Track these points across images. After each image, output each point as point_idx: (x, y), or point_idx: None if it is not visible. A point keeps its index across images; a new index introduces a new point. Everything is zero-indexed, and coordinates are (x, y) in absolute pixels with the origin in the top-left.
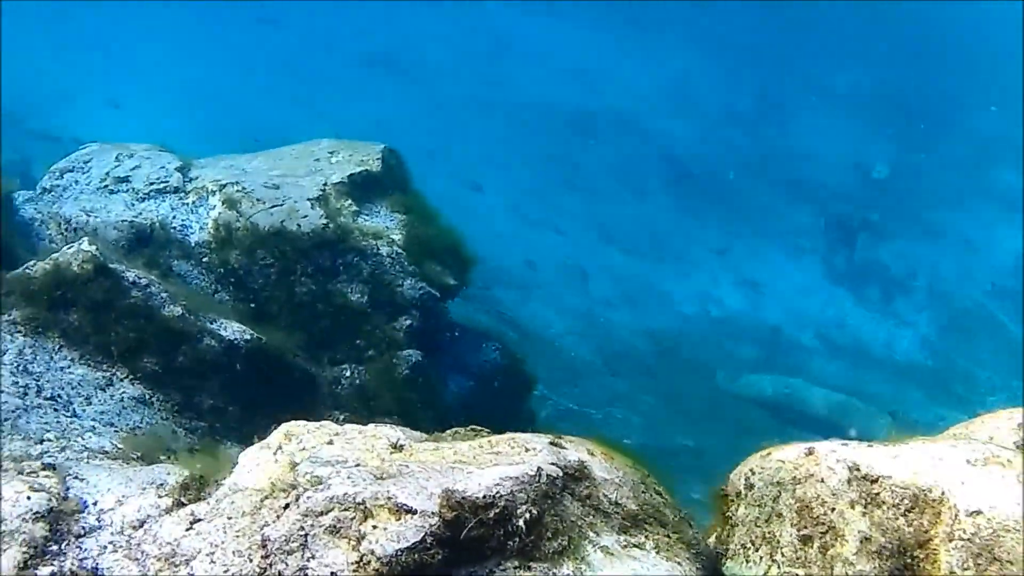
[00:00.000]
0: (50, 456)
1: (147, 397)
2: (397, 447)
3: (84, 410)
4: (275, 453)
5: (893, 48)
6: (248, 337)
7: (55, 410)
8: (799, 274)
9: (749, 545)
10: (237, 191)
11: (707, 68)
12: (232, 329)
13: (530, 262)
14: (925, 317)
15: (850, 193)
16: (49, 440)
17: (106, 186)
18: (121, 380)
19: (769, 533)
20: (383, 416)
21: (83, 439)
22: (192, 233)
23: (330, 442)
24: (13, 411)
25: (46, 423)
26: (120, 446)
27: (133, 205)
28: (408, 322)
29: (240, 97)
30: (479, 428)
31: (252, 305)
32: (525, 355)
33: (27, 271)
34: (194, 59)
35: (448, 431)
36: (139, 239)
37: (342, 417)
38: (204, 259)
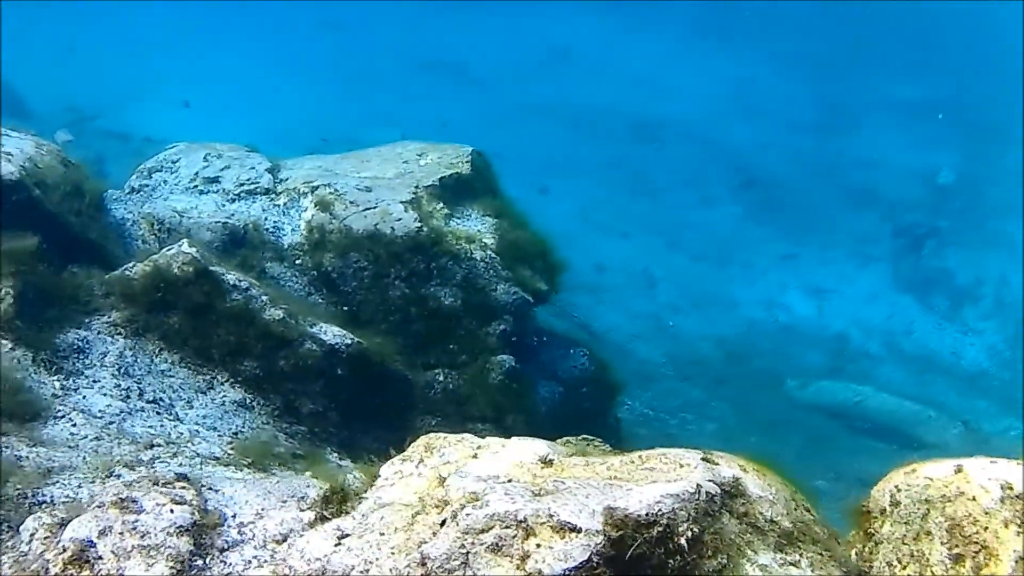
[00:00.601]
0: (162, 462)
1: (248, 401)
2: (547, 462)
3: (186, 414)
4: (417, 466)
5: (958, 54)
6: (348, 342)
7: (157, 413)
8: (865, 281)
9: (896, 563)
10: (330, 193)
11: (770, 74)
12: (333, 333)
13: (599, 266)
14: (992, 325)
15: (916, 200)
16: (159, 446)
17: (195, 186)
18: (222, 384)
19: (917, 551)
20: (475, 422)
21: (193, 445)
22: (284, 235)
23: (474, 456)
24: (118, 414)
25: (150, 427)
26: (230, 452)
27: (224, 206)
28: (501, 327)
29: (305, 99)
30: (590, 438)
31: (345, 308)
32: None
33: (126, 273)
34: (261, 61)
35: (560, 440)
36: (233, 240)
37: (434, 422)
38: (297, 261)
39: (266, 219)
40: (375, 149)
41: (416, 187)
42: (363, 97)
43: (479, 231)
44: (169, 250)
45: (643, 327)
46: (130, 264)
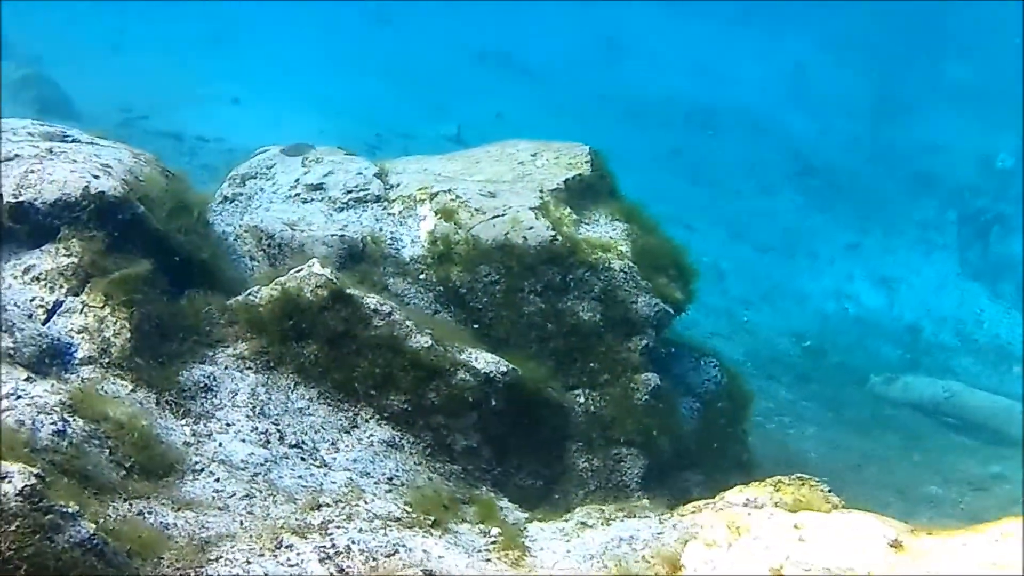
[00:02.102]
0: (337, 527)
1: (397, 440)
2: (896, 544)
3: (334, 458)
4: (729, 551)
5: (1014, 35)
6: (504, 370)
7: (303, 459)
8: (931, 269)
9: None
10: (451, 200)
11: (823, 59)
12: (485, 361)
13: None
14: None
15: (976, 185)
16: (327, 506)
17: (297, 194)
18: (366, 421)
19: None
20: (620, 446)
21: (367, 504)
22: (404, 247)
23: (800, 539)
24: (262, 464)
25: (299, 477)
26: (407, 509)
27: (331, 216)
28: (644, 342)
29: (356, 94)
30: (806, 477)
31: (476, 326)
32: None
33: (251, 298)
34: (309, 57)
35: (770, 481)
36: (351, 255)
37: (574, 448)
38: (421, 276)
39: (381, 230)
40: (482, 149)
41: (541, 191)
42: (414, 91)
43: (612, 238)
44: (299, 272)
45: (719, 323)
46: (254, 288)
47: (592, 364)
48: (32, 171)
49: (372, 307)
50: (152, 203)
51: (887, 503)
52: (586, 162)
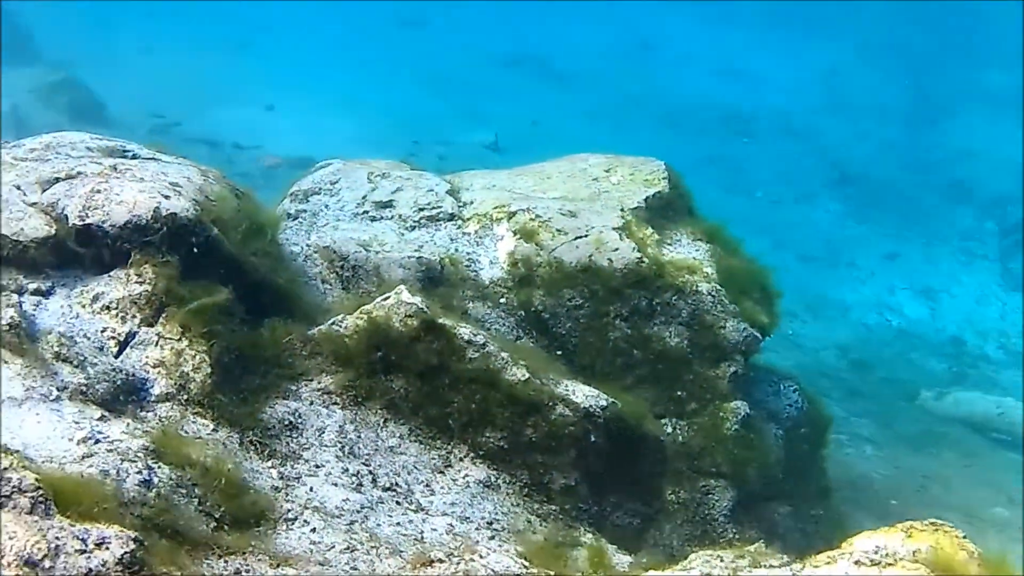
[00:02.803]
0: None
1: (493, 479)
2: None
3: (430, 501)
4: None
5: None
6: (604, 403)
7: (398, 503)
8: (972, 280)
9: None
10: (531, 219)
11: (857, 64)
12: (584, 394)
13: None
14: None
15: (1014, 194)
16: (440, 561)
17: (366, 212)
18: (460, 459)
19: None
20: (708, 478)
21: (482, 559)
22: (482, 269)
23: None
24: (358, 511)
25: (397, 524)
26: (525, 564)
27: (403, 235)
28: (732, 369)
29: (390, 99)
30: (939, 523)
31: (559, 353)
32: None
33: (335, 328)
34: (342, 61)
35: (901, 526)
36: (430, 278)
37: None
38: (501, 300)
39: (457, 250)
40: (551, 163)
41: (622, 210)
42: (447, 95)
43: (697, 259)
44: (386, 300)
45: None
46: (338, 317)
47: (680, 392)
48: (98, 191)
49: (465, 338)
50: (224, 224)
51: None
52: (663, 179)
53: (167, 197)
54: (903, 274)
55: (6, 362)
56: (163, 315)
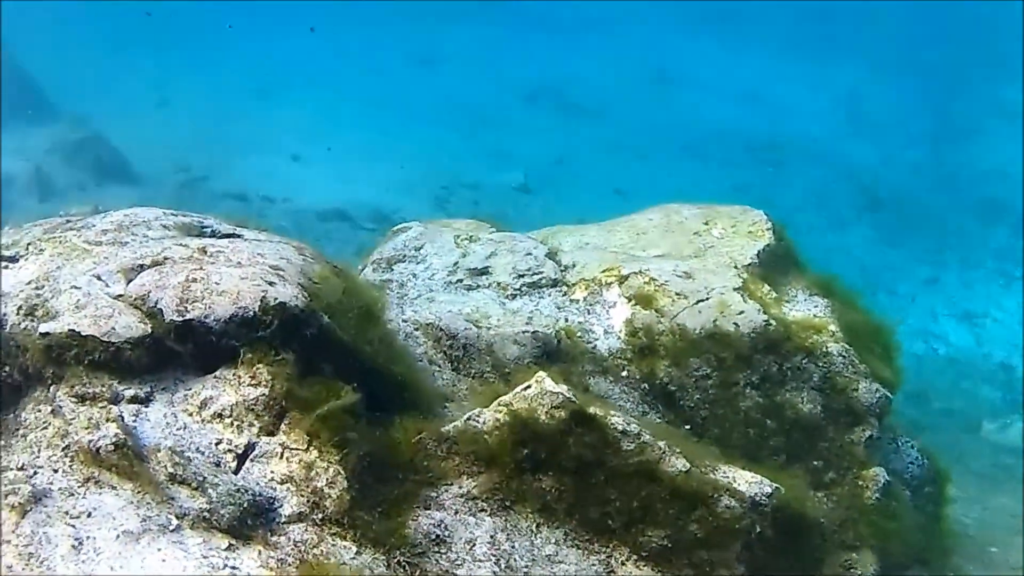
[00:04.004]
0: None
1: None
2: None
3: None
4: None
5: None
6: (768, 490)
7: None
8: (1012, 302)
9: None
10: (646, 283)
11: (878, 84)
12: (746, 481)
13: None
14: None
15: None
16: None
17: (460, 280)
18: (622, 563)
19: None
20: (850, 551)
21: None
22: (597, 339)
23: None
24: None
25: None
26: None
27: (504, 304)
28: (867, 433)
29: (412, 141)
30: None
31: (688, 427)
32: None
33: (473, 423)
34: (360, 105)
35: None
36: (547, 354)
37: None
38: (623, 373)
39: (567, 320)
40: (641, 216)
41: (736, 267)
42: (469, 134)
43: (819, 316)
44: (527, 390)
45: None
46: (475, 412)
47: (816, 462)
48: (194, 279)
49: (619, 428)
50: (334, 310)
51: None
52: (767, 230)
53: (272, 284)
54: (944, 299)
55: (114, 488)
56: (285, 422)
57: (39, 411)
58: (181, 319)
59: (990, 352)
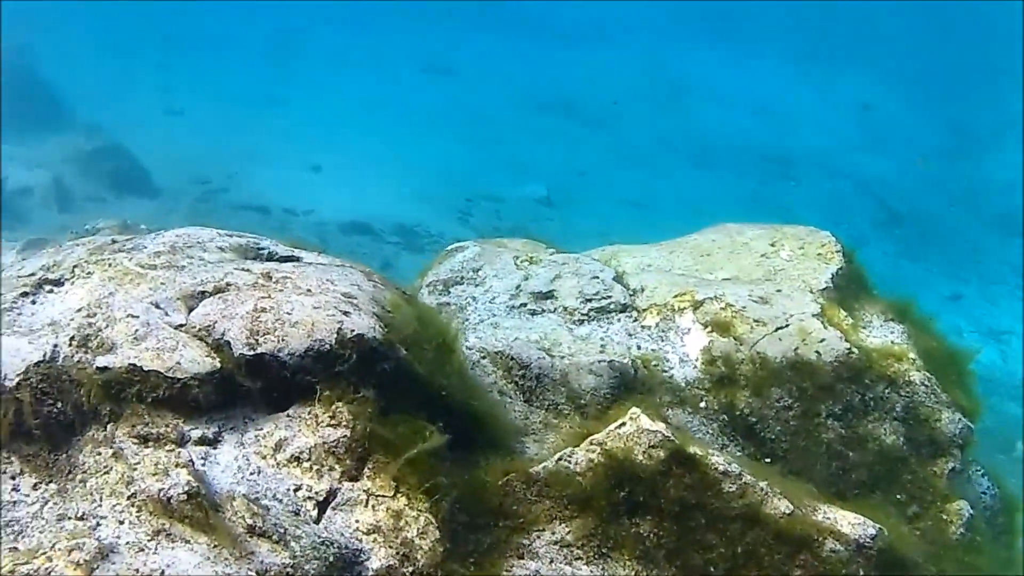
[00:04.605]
0: None
1: None
2: None
3: None
4: None
5: None
6: (872, 532)
7: None
8: None
9: None
10: (722, 308)
11: (889, 98)
12: (849, 523)
13: None
14: None
15: None
16: None
17: (523, 305)
18: None
19: None
20: None
21: None
22: (671, 368)
23: None
24: None
25: None
26: None
27: (571, 330)
28: (950, 465)
29: (430, 151)
30: None
31: (768, 460)
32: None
33: (564, 464)
34: (377, 113)
35: None
36: (624, 385)
37: None
38: (701, 404)
39: (639, 347)
40: (702, 237)
41: (812, 292)
42: (487, 145)
43: (898, 343)
44: (621, 427)
45: None
46: (566, 451)
47: (899, 496)
48: (263, 309)
49: (720, 468)
50: (410, 341)
51: None
52: (836, 251)
53: (346, 314)
54: (968, 316)
55: (187, 542)
56: (369, 466)
57: (99, 454)
58: (252, 353)
59: (1014, 369)
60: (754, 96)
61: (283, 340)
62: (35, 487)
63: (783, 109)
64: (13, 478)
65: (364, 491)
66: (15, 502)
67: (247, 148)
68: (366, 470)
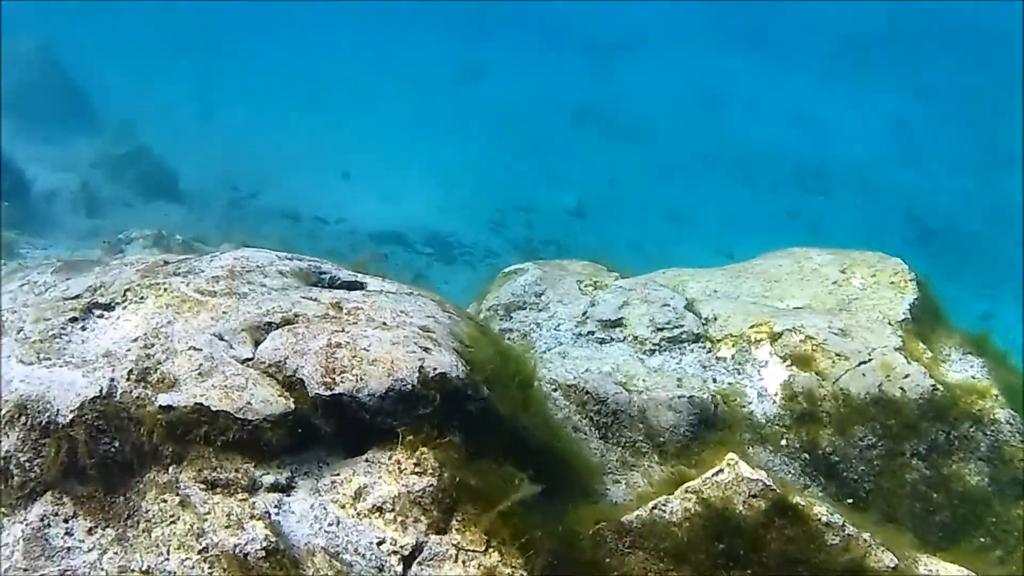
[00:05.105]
0: None
1: None
2: None
3: None
4: None
5: None
6: None
7: None
8: None
9: None
10: (801, 341)
11: (922, 111)
12: (947, 571)
13: None
14: None
15: None
16: None
17: (591, 333)
18: None
19: None
20: None
21: None
22: (750, 402)
23: None
24: None
25: None
26: None
27: (643, 361)
28: None
29: (462, 160)
30: None
31: (850, 501)
32: None
33: (659, 513)
34: (408, 120)
35: None
36: (703, 421)
37: None
38: (782, 442)
39: (715, 380)
40: (768, 261)
41: (891, 324)
42: (518, 154)
43: (979, 379)
44: (718, 475)
45: None
46: (660, 500)
47: (983, 538)
48: (338, 344)
49: (823, 520)
50: (492, 379)
51: None
52: (910, 280)
53: (427, 350)
54: (1003, 337)
55: None
56: (457, 517)
57: (164, 500)
58: (329, 393)
59: None
60: (787, 108)
61: (362, 380)
62: (90, 531)
63: (816, 122)
64: (66, 521)
65: (453, 545)
66: (69, 548)
67: (276, 153)
68: (454, 522)
